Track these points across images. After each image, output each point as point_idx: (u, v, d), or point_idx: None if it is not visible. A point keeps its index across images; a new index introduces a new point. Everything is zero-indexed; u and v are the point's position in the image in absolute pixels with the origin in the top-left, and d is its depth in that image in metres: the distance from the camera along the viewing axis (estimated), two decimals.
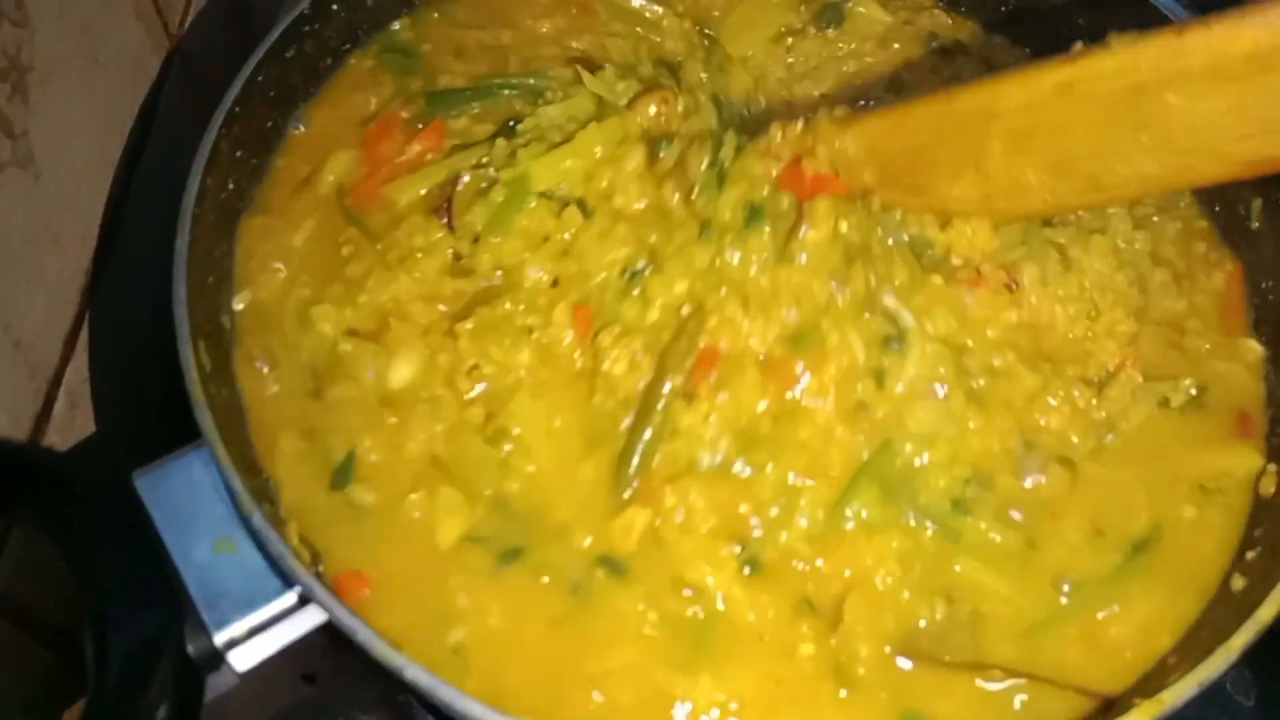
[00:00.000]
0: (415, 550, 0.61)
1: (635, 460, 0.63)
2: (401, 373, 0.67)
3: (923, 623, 0.59)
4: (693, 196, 0.67)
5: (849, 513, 0.61)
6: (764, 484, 0.62)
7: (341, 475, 0.63)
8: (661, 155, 0.70)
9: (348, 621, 0.52)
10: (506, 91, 0.76)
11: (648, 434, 0.63)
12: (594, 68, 0.75)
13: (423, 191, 0.71)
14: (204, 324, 0.62)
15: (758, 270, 0.65)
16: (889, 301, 0.65)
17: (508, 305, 0.67)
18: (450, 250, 0.69)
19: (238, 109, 0.68)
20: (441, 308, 0.68)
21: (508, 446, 0.64)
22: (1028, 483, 0.63)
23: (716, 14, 0.87)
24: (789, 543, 0.61)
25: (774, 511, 0.61)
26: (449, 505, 0.62)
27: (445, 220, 0.68)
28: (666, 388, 0.63)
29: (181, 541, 0.55)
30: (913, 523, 0.61)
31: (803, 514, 0.61)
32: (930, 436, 0.62)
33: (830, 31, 0.86)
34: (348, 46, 0.80)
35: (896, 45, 0.86)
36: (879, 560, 0.60)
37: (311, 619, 0.56)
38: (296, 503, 0.61)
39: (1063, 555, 0.62)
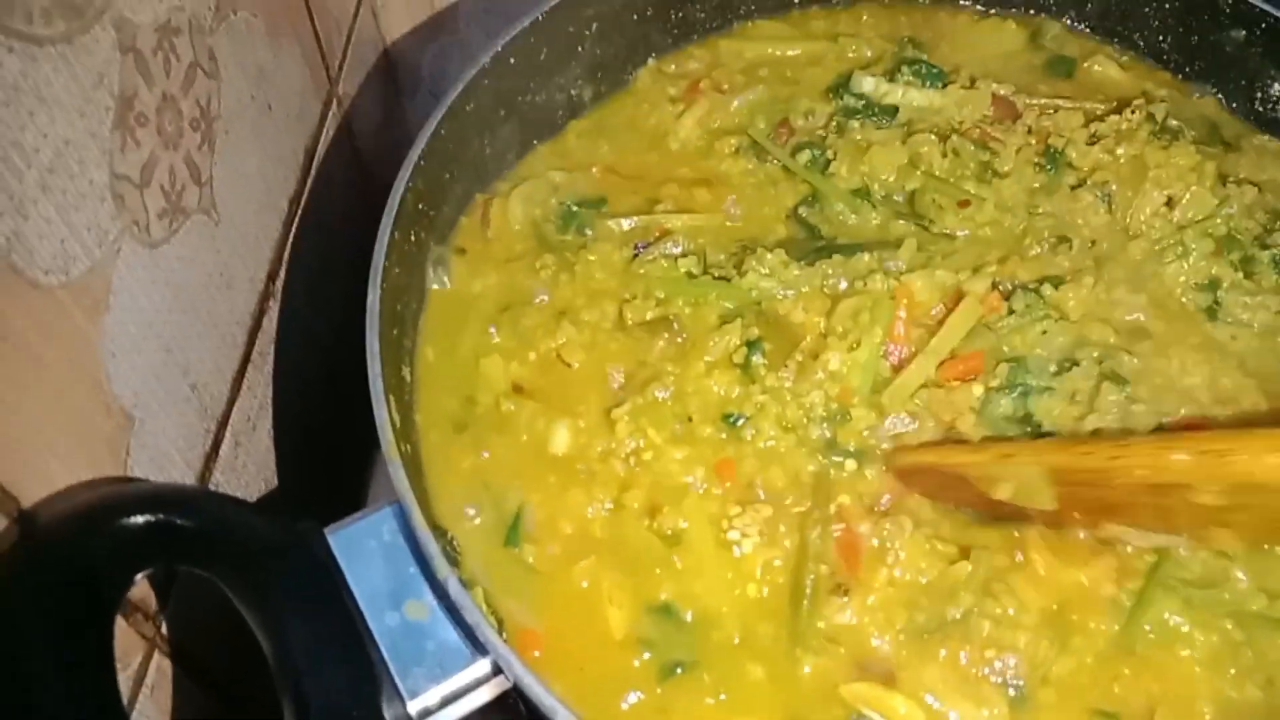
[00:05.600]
0: (585, 626, 0.60)
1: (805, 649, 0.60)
2: (561, 439, 0.67)
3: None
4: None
5: (1147, 629, 0.59)
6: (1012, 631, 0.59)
7: (514, 532, 0.63)
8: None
9: (547, 701, 0.50)
10: None
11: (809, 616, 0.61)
12: None
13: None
14: (391, 378, 0.62)
15: None
16: None
17: (659, 394, 0.67)
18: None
19: (422, 162, 0.69)
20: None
21: (672, 543, 0.63)
22: None
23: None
24: (1066, 675, 0.58)
25: (1044, 649, 0.59)
26: (617, 592, 0.61)
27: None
28: (809, 581, 0.61)
29: (374, 603, 0.54)
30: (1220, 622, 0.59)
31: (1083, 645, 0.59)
32: None
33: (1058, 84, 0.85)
34: (522, 99, 0.81)
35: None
36: (1186, 669, 0.58)
37: (497, 688, 0.55)
38: (480, 557, 0.61)
39: None
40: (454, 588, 0.52)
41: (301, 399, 0.83)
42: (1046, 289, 0.71)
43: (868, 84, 0.84)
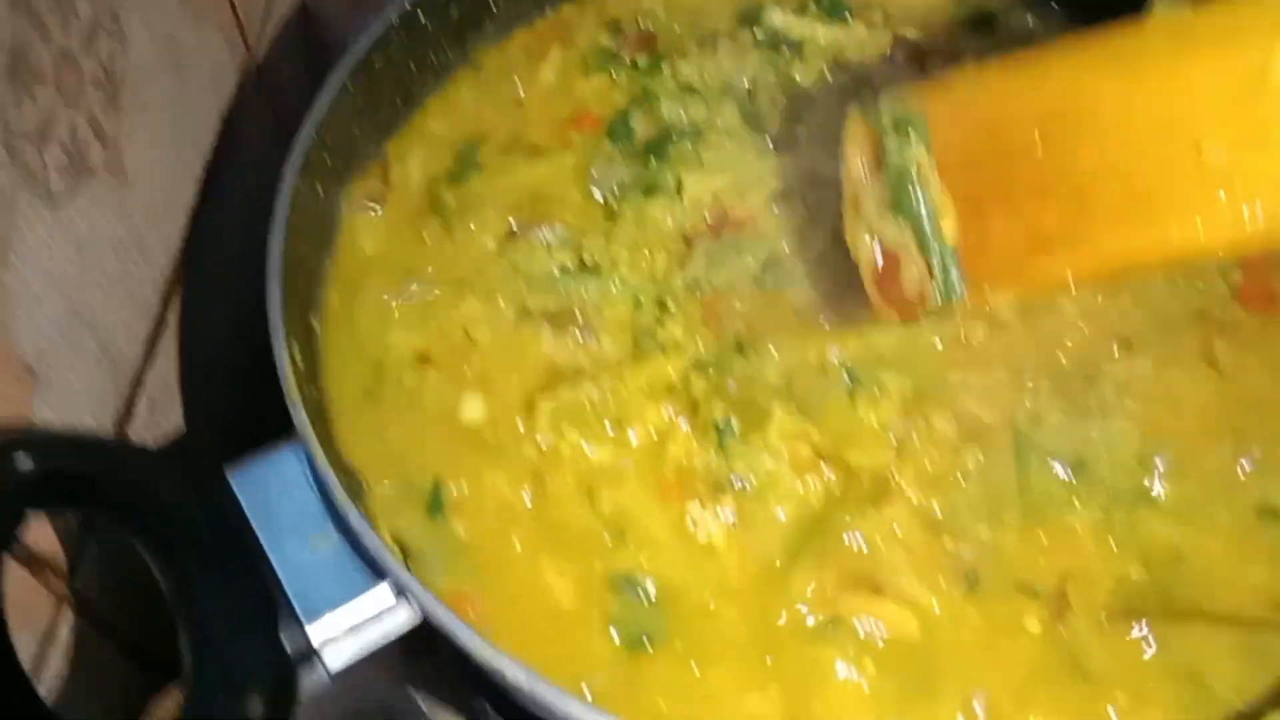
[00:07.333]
0: (531, 600, 0.58)
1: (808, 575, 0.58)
2: (472, 410, 0.64)
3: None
4: None
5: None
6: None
7: (434, 505, 0.61)
8: None
9: (445, 618, 0.51)
10: None
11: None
12: None
13: None
14: (296, 325, 0.62)
15: None
16: None
17: (591, 390, 0.63)
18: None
19: (328, 113, 0.69)
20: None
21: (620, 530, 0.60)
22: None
23: None
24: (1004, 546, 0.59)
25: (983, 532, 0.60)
26: (559, 572, 0.59)
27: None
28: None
29: (276, 537, 0.55)
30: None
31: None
32: None
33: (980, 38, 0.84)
34: (434, 59, 0.81)
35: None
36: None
37: (404, 618, 0.55)
38: (388, 507, 0.60)
39: None
40: (354, 517, 0.53)
41: (218, 363, 0.83)
42: None
43: (777, 18, 0.81)
